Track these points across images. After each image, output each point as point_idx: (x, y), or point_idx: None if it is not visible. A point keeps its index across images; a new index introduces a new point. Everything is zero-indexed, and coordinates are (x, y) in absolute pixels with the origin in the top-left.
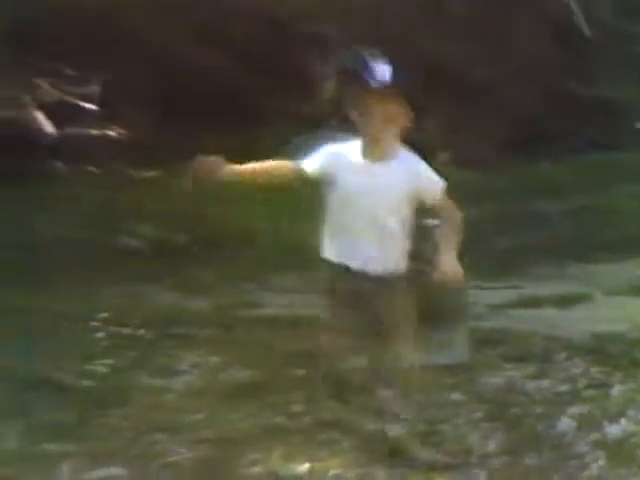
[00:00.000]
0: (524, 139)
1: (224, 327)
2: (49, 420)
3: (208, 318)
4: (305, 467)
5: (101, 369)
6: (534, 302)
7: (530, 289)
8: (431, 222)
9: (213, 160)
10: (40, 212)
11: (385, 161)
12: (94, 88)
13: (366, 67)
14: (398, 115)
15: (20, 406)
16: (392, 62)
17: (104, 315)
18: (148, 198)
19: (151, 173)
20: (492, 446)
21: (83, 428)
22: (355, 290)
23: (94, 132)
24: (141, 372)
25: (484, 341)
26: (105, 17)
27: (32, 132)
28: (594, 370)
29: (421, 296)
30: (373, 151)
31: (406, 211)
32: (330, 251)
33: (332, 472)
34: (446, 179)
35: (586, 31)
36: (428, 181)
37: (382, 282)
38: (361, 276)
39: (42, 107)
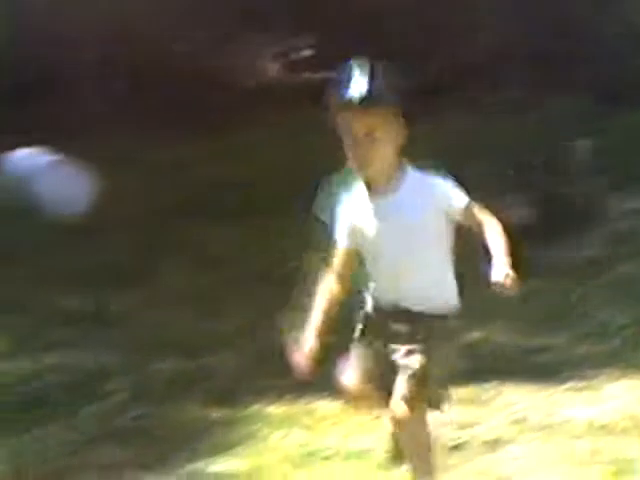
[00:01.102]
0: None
1: None
2: None
3: None
4: None
5: None
6: None
7: None
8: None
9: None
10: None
11: (390, 191)
12: (310, 41)
13: (344, 80)
14: (381, 131)
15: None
16: (386, 72)
17: None
18: None
19: None
20: (625, 320)
21: None
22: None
23: (312, 77)
24: None
25: (618, 239)
26: None
27: (262, 79)
28: None
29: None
30: (371, 180)
31: (437, 237)
32: (366, 298)
33: None
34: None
35: None
36: (447, 192)
37: (418, 323)
38: (396, 317)
39: (272, 58)
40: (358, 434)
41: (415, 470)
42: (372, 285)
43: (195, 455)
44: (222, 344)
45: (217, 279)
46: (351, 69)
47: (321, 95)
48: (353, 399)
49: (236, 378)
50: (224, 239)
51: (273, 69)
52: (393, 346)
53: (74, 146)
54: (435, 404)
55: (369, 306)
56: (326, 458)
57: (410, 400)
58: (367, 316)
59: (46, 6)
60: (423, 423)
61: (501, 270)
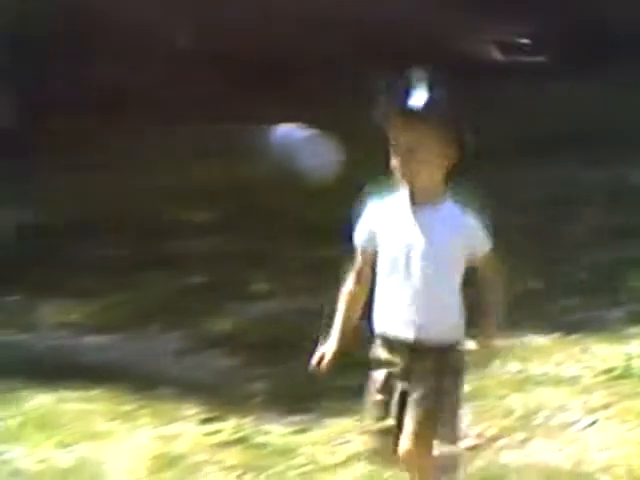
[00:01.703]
0: None
1: None
2: None
3: None
4: None
5: None
6: None
7: None
8: None
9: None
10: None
11: (427, 207)
12: (527, 28)
13: (397, 89)
14: (425, 149)
15: None
16: (440, 89)
17: None
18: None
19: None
20: None
21: None
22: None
23: (527, 59)
24: None
25: None
26: None
27: (485, 60)
28: None
29: None
30: (412, 194)
31: (453, 269)
32: (375, 321)
33: None
34: None
35: None
36: (477, 236)
37: (424, 356)
38: (400, 347)
39: (492, 42)
40: (567, 363)
41: None
42: (380, 310)
43: None
44: None
45: None
46: (410, 81)
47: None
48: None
49: None
50: None
51: (493, 52)
52: (402, 384)
53: (323, 120)
54: (447, 439)
55: (377, 344)
56: (538, 383)
57: (419, 438)
58: (377, 357)
59: None
60: (432, 460)
61: (487, 337)
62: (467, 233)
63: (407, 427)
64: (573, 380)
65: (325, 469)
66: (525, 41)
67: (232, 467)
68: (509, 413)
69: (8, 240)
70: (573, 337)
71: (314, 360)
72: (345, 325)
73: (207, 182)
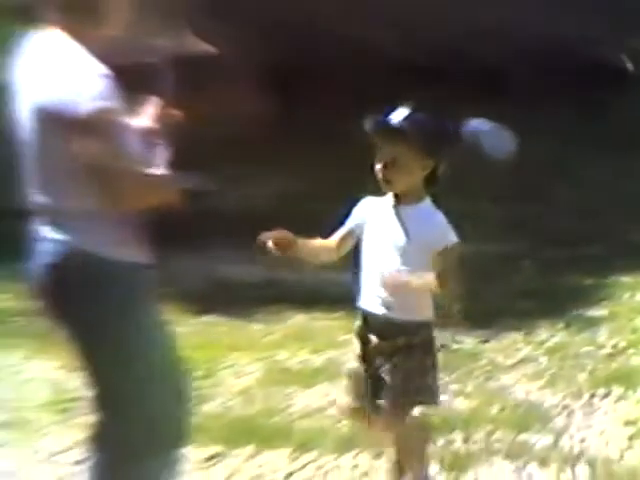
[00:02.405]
0: None
1: None
2: None
3: None
4: None
5: None
6: None
7: None
8: None
9: (283, 237)
10: None
11: (407, 207)
12: None
13: (386, 111)
14: (404, 161)
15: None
16: (424, 116)
17: None
18: None
19: None
20: None
21: None
22: (368, 345)
23: None
24: None
25: None
26: None
27: (618, 68)
28: None
29: None
30: (395, 196)
31: (422, 257)
32: (360, 298)
33: None
34: None
35: None
36: (443, 231)
37: (394, 334)
38: (374, 324)
39: (623, 51)
40: None
41: (411, 469)
42: (362, 289)
43: (575, 305)
44: (593, 238)
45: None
46: (397, 107)
47: None
48: (347, 417)
49: (603, 264)
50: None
51: (625, 61)
52: (376, 360)
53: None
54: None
55: (359, 319)
56: None
57: (396, 412)
58: (360, 331)
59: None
60: (414, 430)
61: (396, 276)
62: (436, 228)
63: (386, 403)
64: None
65: (501, 369)
66: None
67: None
68: (636, 330)
69: (275, 204)
70: None
71: (271, 240)
72: (305, 242)
73: None
